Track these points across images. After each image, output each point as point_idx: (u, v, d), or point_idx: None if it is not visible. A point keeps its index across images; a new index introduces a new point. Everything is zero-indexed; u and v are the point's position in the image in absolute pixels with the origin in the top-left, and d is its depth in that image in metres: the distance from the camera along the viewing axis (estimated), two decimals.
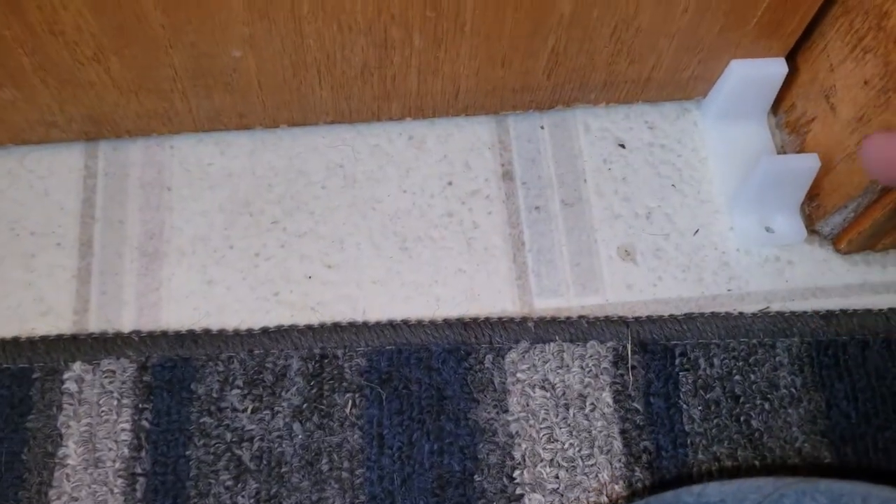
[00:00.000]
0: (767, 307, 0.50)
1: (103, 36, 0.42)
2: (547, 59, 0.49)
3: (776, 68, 0.50)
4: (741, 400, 0.47)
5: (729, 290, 0.50)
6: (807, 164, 0.48)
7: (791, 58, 0.52)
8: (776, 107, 0.54)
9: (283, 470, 0.45)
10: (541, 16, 0.45)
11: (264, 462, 0.45)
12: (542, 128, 0.54)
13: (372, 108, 0.51)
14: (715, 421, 0.47)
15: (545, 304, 0.50)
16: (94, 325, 0.48)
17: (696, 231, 0.52)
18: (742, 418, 0.47)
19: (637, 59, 0.50)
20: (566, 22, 0.46)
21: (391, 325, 0.48)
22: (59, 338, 0.47)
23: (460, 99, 0.52)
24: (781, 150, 0.54)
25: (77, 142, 0.52)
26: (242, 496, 0.44)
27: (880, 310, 0.50)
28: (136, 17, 0.42)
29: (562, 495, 0.45)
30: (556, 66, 0.49)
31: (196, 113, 0.50)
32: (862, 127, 0.46)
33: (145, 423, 0.45)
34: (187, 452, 0.45)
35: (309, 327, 0.47)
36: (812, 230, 0.52)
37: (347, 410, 0.46)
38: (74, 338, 0.47)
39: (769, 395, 0.48)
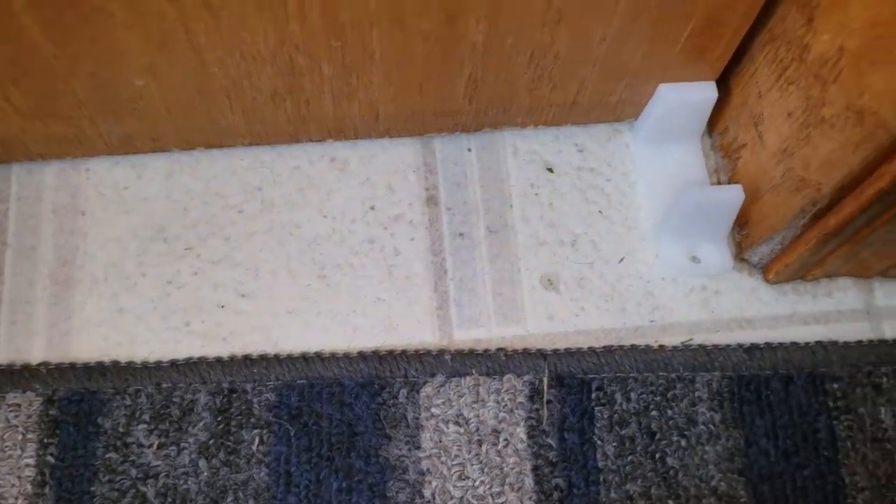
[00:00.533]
0: (690, 339, 0.49)
1: None
2: (465, 86, 0.47)
3: (705, 93, 0.49)
4: (657, 436, 0.47)
5: (652, 321, 0.49)
6: (730, 197, 0.46)
7: (725, 80, 0.50)
8: (711, 128, 0.53)
9: (188, 497, 0.44)
10: (452, 45, 0.43)
11: (169, 499, 0.44)
12: (469, 150, 0.53)
13: (288, 130, 0.50)
14: (629, 458, 0.46)
15: (465, 335, 0.49)
16: (2, 356, 0.47)
17: (622, 259, 0.51)
18: (657, 455, 0.46)
19: (559, 85, 0.48)
20: (480, 51, 0.44)
21: (303, 358, 0.47)
22: None
23: (381, 122, 0.50)
24: (714, 174, 0.52)
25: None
26: None
27: (807, 343, 0.49)
28: (27, 49, 0.40)
29: None
30: (476, 92, 0.48)
31: (107, 137, 0.49)
32: (786, 159, 0.45)
33: (50, 459, 0.45)
34: (92, 489, 0.44)
35: (218, 360, 0.47)
36: (742, 258, 0.51)
37: (255, 447, 0.45)
38: None
39: (686, 432, 0.47)
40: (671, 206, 0.49)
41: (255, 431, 0.46)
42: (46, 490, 0.44)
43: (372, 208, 0.51)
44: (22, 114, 0.45)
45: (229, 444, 0.45)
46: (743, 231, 0.50)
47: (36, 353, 0.47)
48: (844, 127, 0.39)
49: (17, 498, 0.44)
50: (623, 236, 0.51)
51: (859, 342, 0.49)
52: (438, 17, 0.41)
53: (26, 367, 0.46)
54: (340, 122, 0.50)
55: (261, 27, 0.41)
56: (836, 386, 0.48)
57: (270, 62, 0.43)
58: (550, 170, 0.52)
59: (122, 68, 0.42)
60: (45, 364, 0.47)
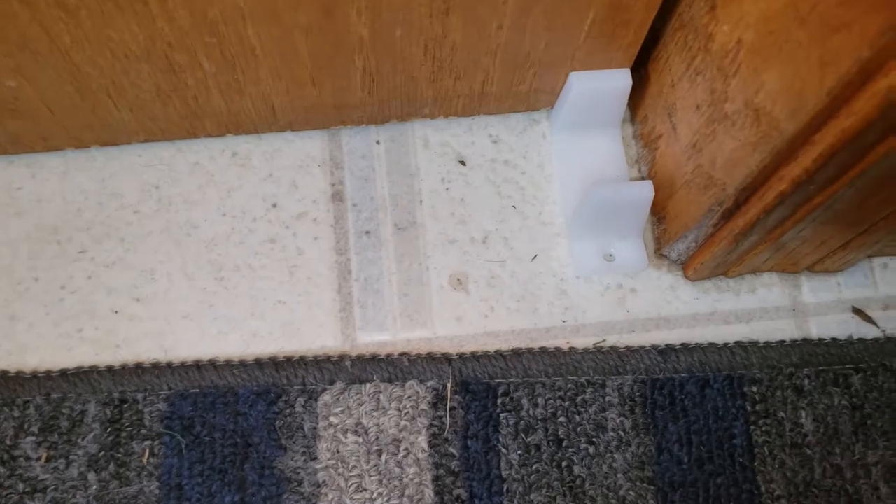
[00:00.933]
0: (603, 340, 0.47)
1: None
2: (362, 79, 0.45)
3: (619, 81, 0.46)
4: (564, 444, 0.45)
5: (564, 322, 0.47)
6: (639, 194, 0.44)
7: (645, 66, 0.48)
8: (634, 116, 0.50)
9: None
10: (338, 39, 0.41)
11: None
12: (377, 142, 0.50)
13: (183, 126, 0.48)
14: (535, 466, 0.45)
15: (369, 339, 0.47)
16: None
17: (535, 257, 0.49)
18: (564, 464, 0.45)
19: (463, 76, 0.45)
20: (368, 43, 0.42)
21: (197, 365, 0.45)
22: None
23: (279, 116, 0.48)
24: (636, 165, 0.50)
25: None
26: None
27: (725, 344, 0.47)
28: None
29: None
30: (374, 85, 0.45)
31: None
32: (696, 155, 0.42)
33: None
34: None
35: (109, 369, 0.45)
36: (661, 254, 0.49)
37: (145, 459, 0.44)
38: None
39: (595, 439, 0.45)
40: (581, 203, 0.46)
41: (146, 443, 0.44)
42: None
43: (274, 206, 0.49)
44: None
45: (119, 456, 0.44)
46: (661, 226, 0.48)
47: None
48: (744, 125, 0.36)
49: None
50: (537, 233, 0.49)
51: (781, 342, 0.47)
52: (315, 10, 0.39)
53: None
54: (236, 117, 0.47)
55: (126, 26, 0.38)
56: (754, 389, 0.46)
57: (146, 60, 0.41)
58: (463, 162, 0.50)
59: None
60: None
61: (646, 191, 0.44)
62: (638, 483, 0.44)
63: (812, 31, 0.30)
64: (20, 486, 0.43)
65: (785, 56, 0.32)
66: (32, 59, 0.40)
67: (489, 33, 0.42)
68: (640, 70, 0.48)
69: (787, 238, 0.42)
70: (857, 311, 0.48)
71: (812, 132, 0.32)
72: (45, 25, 0.38)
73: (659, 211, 0.48)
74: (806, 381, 0.46)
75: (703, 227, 0.43)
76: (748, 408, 0.46)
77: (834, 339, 0.47)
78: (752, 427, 0.45)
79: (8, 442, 0.44)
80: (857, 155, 0.32)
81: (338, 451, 0.44)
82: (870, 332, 0.48)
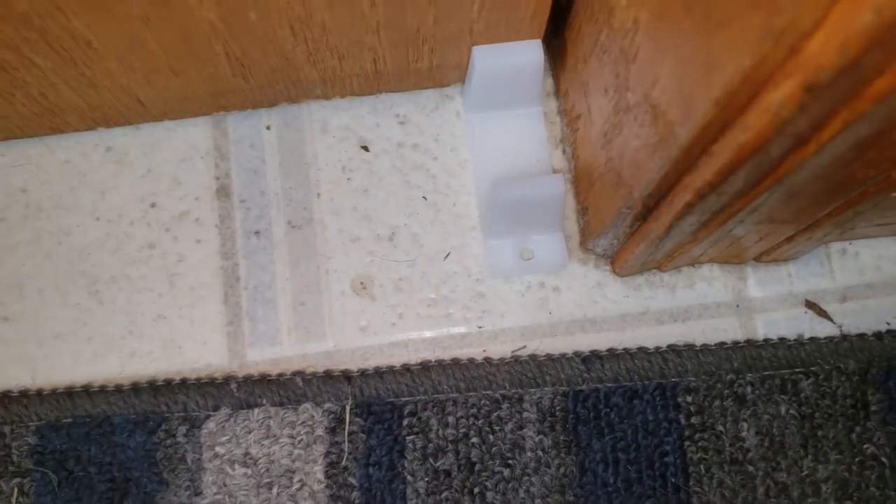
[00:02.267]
0: (524, 346, 0.42)
1: None
2: (230, 65, 0.39)
3: (528, 54, 0.40)
4: (476, 468, 0.40)
5: (480, 328, 0.42)
6: (549, 191, 0.38)
7: (563, 33, 0.41)
8: (557, 90, 0.44)
9: None
10: (184, 26, 0.35)
11: None
12: (268, 128, 0.45)
13: (42, 122, 0.42)
14: (444, 494, 0.40)
15: (260, 357, 0.42)
16: None
17: (448, 255, 0.43)
18: (476, 490, 0.40)
19: (347, 55, 0.39)
20: (222, 29, 0.36)
21: (69, 393, 0.41)
22: None
23: (149, 107, 0.42)
24: (560, 145, 0.44)
25: None
26: None
27: (657, 348, 0.42)
28: None
29: None
30: (247, 69, 0.39)
31: None
32: (607, 145, 0.36)
33: None
34: None
35: None
36: (587, 248, 0.43)
37: (14, 499, 0.40)
38: None
39: (511, 461, 0.40)
40: (490, 200, 0.41)
41: (15, 481, 0.40)
42: None
43: (153, 206, 0.44)
44: None
45: None
46: (585, 217, 0.42)
47: None
48: (644, 123, 0.30)
49: None
50: (450, 227, 0.43)
51: (721, 344, 0.42)
52: None
53: None
54: (100, 110, 0.42)
55: None
56: (689, 399, 0.41)
57: None
58: (366, 148, 0.44)
59: None
60: None
61: (555, 187, 0.38)
62: None
63: (697, 23, 0.24)
64: None
65: (675, 49, 0.26)
66: None
67: (362, 11, 0.36)
68: (560, 38, 0.41)
69: (715, 237, 0.36)
70: (811, 305, 0.43)
71: (708, 143, 0.26)
72: None
73: (582, 200, 0.42)
74: (749, 389, 0.41)
75: (619, 228, 0.38)
76: (682, 421, 0.41)
77: (782, 340, 0.42)
78: (687, 442, 0.41)
79: None
80: (766, 168, 0.26)
81: (224, 485, 0.40)
82: (824, 329, 0.42)
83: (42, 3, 0.32)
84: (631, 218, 0.35)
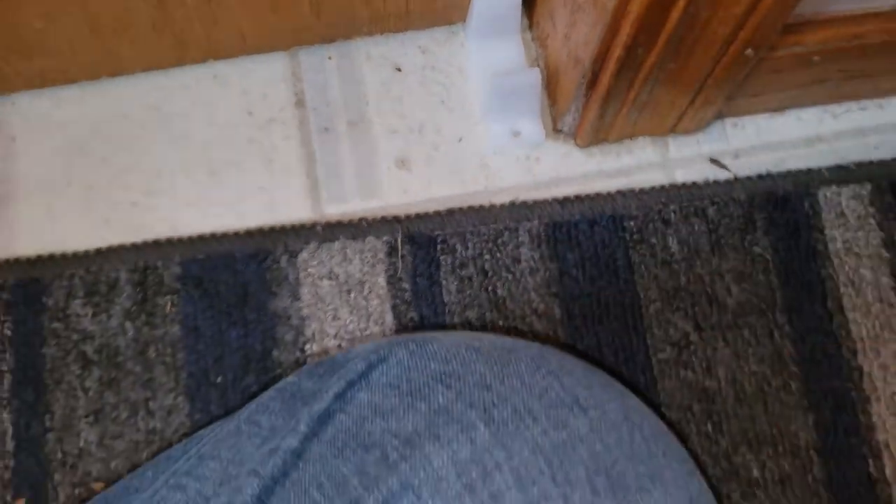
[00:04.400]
0: (516, 197, 0.61)
1: None
2: (310, 3, 0.57)
3: None
4: (489, 274, 0.59)
5: (486, 187, 0.61)
6: (527, 80, 0.57)
7: None
8: (531, 24, 0.63)
9: (119, 359, 0.56)
10: None
11: (104, 354, 0.56)
12: (329, 58, 0.63)
13: (175, 55, 0.60)
14: (468, 292, 0.58)
15: (334, 210, 0.60)
16: None
17: (460, 139, 0.62)
18: (490, 288, 0.58)
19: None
20: None
21: (201, 238, 0.59)
22: None
23: (249, 41, 0.61)
24: (535, 63, 0.63)
25: None
26: (89, 381, 0.56)
27: (609, 192, 0.61)
28: None
29: None
30: (320, 8, 0.58)
31: (25, 75, 0.59)
32: (567, 43, 0.55)
33: (7, 332, 0.56)
34: (42, 351, 0.56)
35: (133, 245, 0.58)
36: (558, 129, 0.62)
37: (167, 309, 0.57)
38: None
39: (512, 269, 0.59)
40: (489, 93, 0.60)
41: (167, 297, 0.57)
42: (7, 356, 0.56)
43: (250, 114, 0.62)
44: None
45: (147, 308, 0.57)
46: (554, 106, 0.61)
47: None
48: (590, 11, 0.50)
49: None
50: (461, 121, 0.62)
51: (653, 188, 0.61)
52: None
53: None
54: (215, 45, 0.60)
55: None
56: (632, 223, 0.60)
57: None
58: (399, 69, 0.63)
59: (22, 11, 0.53)
60: None
61: (533, 76, 0.57)
62: (546, 298, 0.58)
63: None
64: (74, 336, 0.56)
65: None
66: (55, 5, 0.52)
67: None
68: None
69: (642, 99, 0.55)
70: (714, 161, 0.62)
71: (626, 4, 0.45)
72: None
73: (551, 95, 0.61)
74: (672, 215, 0.60)
75: (578, 99, 0.57)
76: (627, 238, 0.60)
77: (695, 183, 0.61)
78: (631, 251, 0.59)
79: (61, 304, 0.57)
80: (661, 17, 0.45)
81: (316, 293, 0.58)
82: (723, 175, 0.62)
83: None
84: (585, 86, 0.55)
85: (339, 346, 0.57)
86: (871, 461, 0.56)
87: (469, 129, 0.62)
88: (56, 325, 0.57)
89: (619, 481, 0.34)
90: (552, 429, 0.34)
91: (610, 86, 0.52)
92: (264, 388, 0.55)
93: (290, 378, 0.43)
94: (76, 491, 0.55)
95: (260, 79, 0.63)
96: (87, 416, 0.55)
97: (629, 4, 0.45)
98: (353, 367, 0.39)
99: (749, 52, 0.50)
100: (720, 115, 0.62)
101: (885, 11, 0.53)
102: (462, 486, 0.32)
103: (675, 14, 0.45)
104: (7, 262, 0.58)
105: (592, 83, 0.54)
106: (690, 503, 0.37)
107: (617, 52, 0.49)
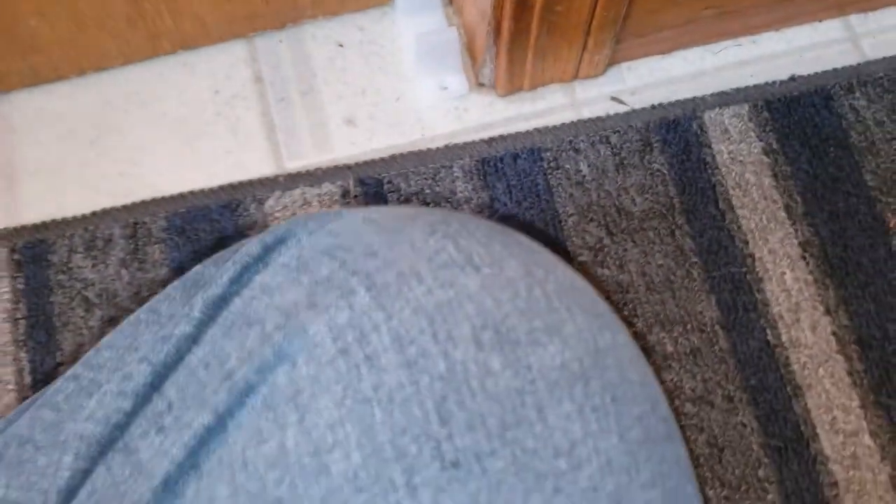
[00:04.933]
0: (449, 142, 0.71)
1: None
2: None
3: None
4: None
5: (423, 136, 0.71)
6: (447, 37, 0.68)
7: None
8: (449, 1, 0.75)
9: (117, 300, 0.65)
10: None
11: (104, 297, 0.65)
12: (280, 42, 0.74)
13: (150, 47, 0.71)
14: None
15: (293, 165, 0.70)
16: None
17: (398, 98, 0.72)
18: None
19: None
20: None
21: (181, 195, 0.68)
22: None
23: (211, 31, 0.71)
24: (457, 30, 0.74)
25: None
26: (92, 321, 0.65)
27: (527, 130, 0.71)
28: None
29: None
30: None
31: (20, 73, 0.69)
32: (476, 4, 0.66)
33: (20, 286, 0.66)
34: (51, 300, 0.65)
35: (124, 206, 0.68)
36: (480, 82, 0.73)
37: (156, 256, 0.67)
38: None
39: (450, 199, 0.69)
40: (416, 52, 0.70)
41: (156, 245, 0.67)
42: (20, 305, 0.65)
43: (216, 92, 0.72)
44: None
45: (139, 256, 0.67)
46: (474, 62, 0.72)
47: None
48: None
49: (2, 317, 0.65)
50: (397, 83, 0.73)
51: (564, 124, 0.71)
52: None
53: None
54: (183, 35, 0.71)
55: None
56: (548, 154, 0.70)
57: None
58: (340, 45, 0.74)
59: (19, 13, 0.63)
60: (5, 229, 0.68)
61: (452, 33, 0.68)
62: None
63: None
64: (77, 285, 0.66)
65: None
66: (48, 1, 0.63)
67: None
68: None
69: (542, 44, 0.66)
70: (614, 98, 0.73)
71: None
72: None
73: (470, 54, 0.72)
74: (581, 144, 0.70)
75: (490, 49, 0.67)
76: (545, 166, 0.70)
77: (599, 117, 0.72)
78: (549, 176, 0.69)
79: (64, 260, 0.66)
80: None
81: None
82: (623, 109, 0.72)
83: None
84: (493, 36, 0.65)
85: None
86: (768, 331, 0.66)
87: (405, 88, 0.73)
88: (61, 276, 0.66)
89: (508, 336, 0.31)
90: (438, 288, 0.32)
91: (511, 30, 0.63)
92: None
93: (197, 266, 0.42)
94: None
95: (223, 63, 0.73)
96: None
97: None
98: (248, 251, 0.37)
99: None
100: (616, 61, 0.73)
101: None
102: (337, 350, 0.31)
103: None
104: (16, 229, 0.67)
105: (497, 30, 0.65)
106: (596, 354, 0.33)
107: (507, 5, 0.60)
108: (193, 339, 0.34)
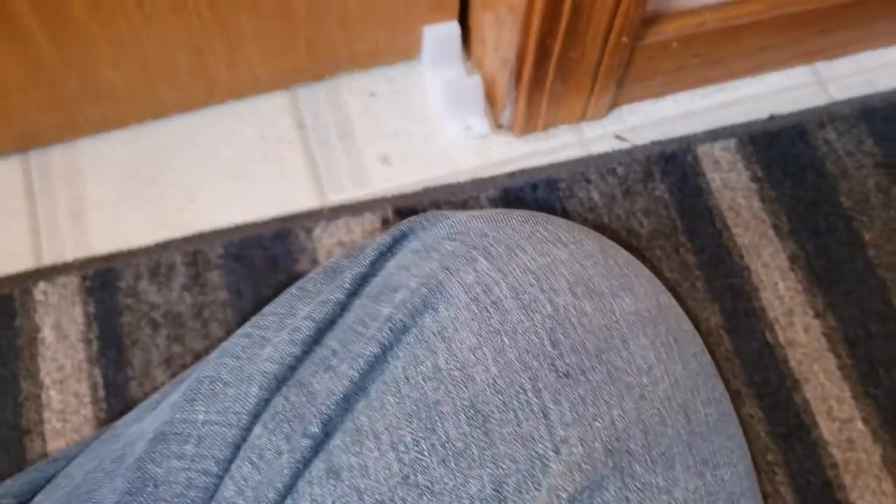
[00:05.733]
0: (475, 175, 0.80)
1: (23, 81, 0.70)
2: (305, 47, 0.78)
3: (452, 30, 0.80)
4: None
5: (450, 171, 0.80)
6: (470, 84, 0.78)
7: (466, 15, 0.82)
8: (469, 53, 0.85)
9: (181, 320, 0.72)
10: (280, 13, 0.74)
11: (169, 318, 0.72)
12: (319, 92, 0.83)
13: (205, 96, 0.79)
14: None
15: (336, 198, 0.78)
16: (48, 258, 0.74)
17: (426, 139, 0.81)
18: None
19: (362, 38, 0.79)
20: (310, 22, 0.75)
21: (236, 227, 0.76)
22: (25, 272, 0.74)
23: (260, 82, 0.80)
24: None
25: (14, 155, 0.79)
26: (159, 339, 0.71)
27: (543, 165, 0.80)
28: (37, 56, 0.69)
29: None
30: (313, 50, 0.78)
31: (91, 120, 0.77)
32: (496, 53, 0.76)
33: (92, 310, 0.72)
34: (121, 321, 0.72)
35: (184, 238, 0.75)
36: (499, 124, 0.82)
37: (216, 280, 0.74)
38: (36, 270, 0.74)
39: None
40: (443, 96, 0.80)
41: (215, 271, 0.74)
42: (93, 327, 0.71)
43: (263, 136, 0.81)
44: (39, 109, 0.74)
45: (200, 281, 0.73)
46: (494, 107, 0.81)
47: (69, 253, 0.75)
48: (508, 18, 0.71)
49: (76, 333, 0.71)
50: (425, 125, 0.82)
51: (576, 159, 0.80)
52: (271, 4, 0.72)
53: (65, 264, 0.74)
54: (235, 85, 0.79)
55: (174, 25, 0.70)
56: (563, 184, 0.79)
57: (185, 49, 0.73)
58: (373, 94, 0.83)
59: (98, 64, 0.71)
60: (76, 259, 0.74)
61: (475, 80, 0.78)
62: None
63: None
64: (144, 307, 0.72)
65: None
66: (124, 54, 0.71)
67: (377, 7, 0.76)
68: (464, 18, 0.82)
69: (556, 89, 0.75)
70: (617, 136, 0.82)
71: (532, 2, 0.66)
72: (133, 28, 0.70)
73: (490, 100, 0.81)
74: (592, 175, 0.80)
75: (510, 94, 0.77)
76: (561, 195, 0.79)
77: (605, 152, 0.81)
78: (565, 203, 0.78)
79: (132, 285, 0.73)
80: (557, 8, 0.66)
81: (329, 258, 0.75)
82: (625, 146, 0.82)
83: (231, 7, 0.71)
84: (514, 80, 0.75)
85: None
86: (766, 333, 0.74)
87: (432, 130, 0.82)
88: (129, 300, 0.73)
89: (594, 289, 0.41)
90: (538, 256, 0.42)
91: (530, 77, 0.73)
92: None
93: (331, 260, 0.53)
94: None
95: (269, 111, 0.82)
96: (160, 365, 0.71)
97: (534, 3, 0.66)
98: (381, 242, 0.48)
99: (624, 39, 0.71)
100: (617, 104, 0.83)
101: (717, 4, 0.75)
102: (469, 298, 0.40)
103: (567, 4, 0.66)
104: (86, 259, 0.74)
105: (518, 75, 0.74)
106: (659, 308, 0.44)
107: (531, 44, 0.69)
108: (343, 305, 0.44)
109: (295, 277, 0.73)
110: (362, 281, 0.45)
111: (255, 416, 0.39)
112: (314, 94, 0.83)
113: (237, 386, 0.41)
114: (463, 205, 0.78)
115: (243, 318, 0.72)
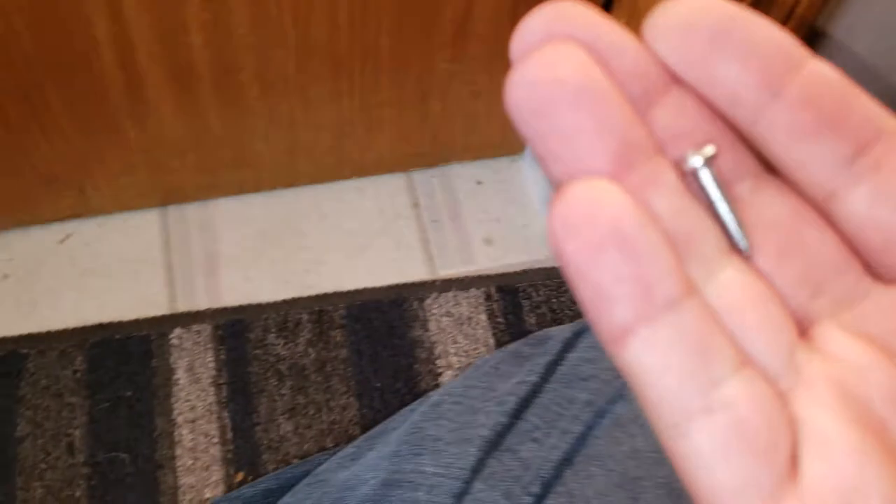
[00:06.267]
0: None
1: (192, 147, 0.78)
2: (430, 137, 0.87)
3: None
4: (556, 311, 0.84)
5: (547, 256, 0.88)
6: None
7: None
8: None
9: (305, 373, 0.79)
10: (418, 107, 0.83)
11: (293, 370, 0.79)
12: (433, 177, 0.92)
13: (333, 172, 0.88)
14: (543, 324, 0.84)
15: (445, 273, 0.86)
16: (183, 306, 0.82)
17: (525, 225, 0.90)
18: (557, 321, 0.84)
19: (479, 133, 0.88)
20: (439, 116, 0.84)
21: (357, 291, 0.83)
22: (163, 316, 0.81)
23: (384, 163, 0.89)
24: None
25: (155, 208, 0.87)
26: (283, 389, 0.78)
27: None
28: (205, 129, 0.78)
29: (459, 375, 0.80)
30: (436, 140, 0.87)
31: (231, 184, 0.85)
32: None
33: (223, 357, 0.79)
34: (248, 370, 0.78)
35: (309, 297, 0.83)
36: None
37: (338, 338, 0.81)
38: (172, 315, 0.81)
39: (573, 308, 0.85)
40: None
41: (337, 330, 0.81)
42: (223, 373, 0.78)
43: (381, 212, 0.89)
44: (190, 170, 0.82)
45: (324, 338, 0.81)
46: None
47: (201, 303, 0.82)
48: None
49: (209, 381, 0.78)
50: (526, 213, 0.91)
51: None
52: (414, 96, 0.81)
53: (199, 312, 0.81)
54: (362, 165, 0.88)
55: (328, 111, 0.79)
56: None
57: (330, 130, 0.82)
58: (479, 183, 0.92)
59: (248, 136, 0.80)
60: (209, 309, 0.81)
61: None
62: None
63: None
64: (271, 359, 0.79)
65: None
66: (274, 131, 0.80)
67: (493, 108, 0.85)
68: None
69: None
70: None
71: None
72: (293, 110, 0.78)
73: None
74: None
75: None
76: None
77: None
78: None
79: (260, 337, 0.80)
80: None
81: (439, 326, 0.82)
82: None
83: (386, 99, 0.80)
84: None
85: (459, 361, 0.81)
86: None
87: (531, 218, 0.90)
88: (257, 351, 0.80)
89: None
90: None
91: None
92: (411, 390, 0.78)
93: (515, 344, 0.60)
94: (278, 467, 0.75)
95: (388, 190, 0.90)
96: (283, 413, 0.77)
97: None
98: (561, 335, 0.56)
99: None
100: None
101: None
102: None
103: None
104: (218, 309, 0.81)
105: None
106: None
107: None
108: (537, 388, 0.51)
109: (410, 343, 0.80)
110: (552, 366, 0.52)
111: (474, 473, 0.46)
112: (428, 178, 0.92)
113: (459, 445, 0.48)
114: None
115: (362, 376, 0.79)
